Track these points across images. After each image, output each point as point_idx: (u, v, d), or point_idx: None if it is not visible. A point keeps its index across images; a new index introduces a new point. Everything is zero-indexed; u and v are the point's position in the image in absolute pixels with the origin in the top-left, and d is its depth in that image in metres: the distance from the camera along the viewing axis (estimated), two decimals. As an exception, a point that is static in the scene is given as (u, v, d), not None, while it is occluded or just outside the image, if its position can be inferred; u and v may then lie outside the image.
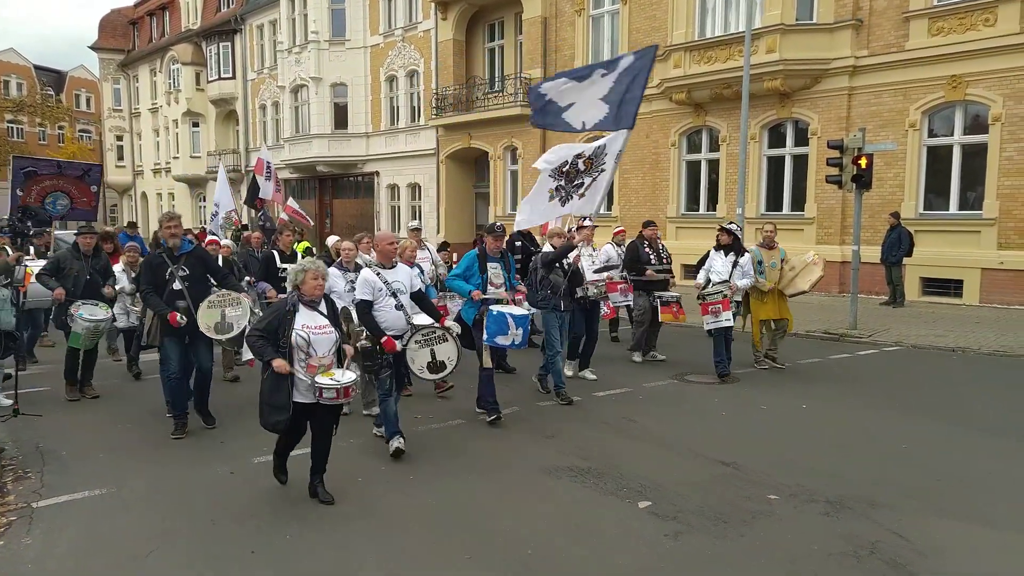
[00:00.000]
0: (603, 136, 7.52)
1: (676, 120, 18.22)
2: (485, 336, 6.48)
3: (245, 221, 13.34)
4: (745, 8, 14.19)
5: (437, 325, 5.97)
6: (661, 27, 18.04)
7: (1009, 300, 13.35)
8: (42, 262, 8.55)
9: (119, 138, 44.79)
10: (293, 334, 4.64)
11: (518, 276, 7.91)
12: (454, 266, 7.78)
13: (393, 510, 4.76)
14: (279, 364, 4.52)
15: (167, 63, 37.06)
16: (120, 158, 44.08)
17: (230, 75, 34.09)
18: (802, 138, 16.18)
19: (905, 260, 13.70)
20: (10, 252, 7.75)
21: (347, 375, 4.74)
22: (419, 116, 25.91)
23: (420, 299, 6.04)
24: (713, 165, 17.99)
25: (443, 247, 10.17)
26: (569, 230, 8.45)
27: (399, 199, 27.22)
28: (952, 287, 14.15)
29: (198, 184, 37.33)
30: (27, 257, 8.96)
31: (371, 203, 28.18)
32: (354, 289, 5.96)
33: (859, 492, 4.91)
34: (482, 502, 4.90)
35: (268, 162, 15.34)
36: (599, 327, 8.88)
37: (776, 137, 16.88)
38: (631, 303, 9.57)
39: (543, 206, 7.69)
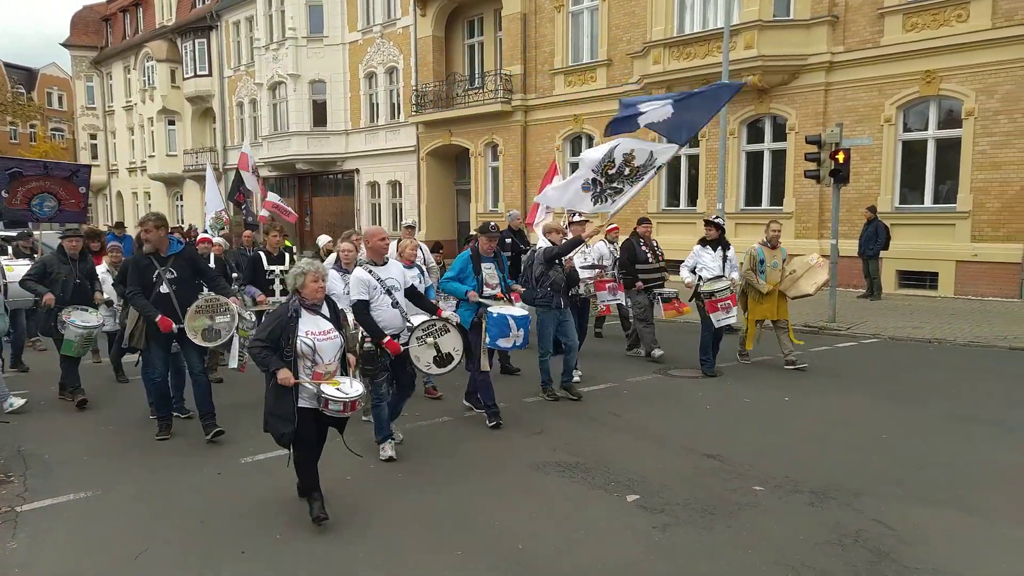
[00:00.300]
0: (657, 143, 7.46)
1: (656, 116, 18.30)
2: (487, 340, 6.33)
3: (234, 218, 13.11)
4: (723, 4, 14.31)
5: (436, 317, 5.79)
6: (640, 23, 18.15)
7: (983, 292, 13.62)
8: (22, 262, 8.34)
9: (93, 136, 44.11)
10: (298, 341, 4.38)
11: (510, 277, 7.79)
12: (446, 270, 7.47)
13: (383, 507, 4.77)
14: (284, 376, 4.29)
15: (141, 60, 36.54)
16: (94, 157, 43.37)
17: (206, 72, 33.72)
18: (780, 133, 16.36)
19: (882, 253, 13.91)
20: None
21: (354, 386, 4.48)
22: (399, 113, 25.82)
23: (414, 295, 5.88)
24: (693, 160, 18.14)
25: (437, 248, 9.86)
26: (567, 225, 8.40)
27: (379, 197, 27.12)
28: (928, 280, 14.41)
29: (175, 183, 36.91)
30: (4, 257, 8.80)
31: (351, 201, 28.04)
32: None
33: (842, 482, 5.01)
34: (472, 498, 4.92)
35: (252, 157, 15.13)
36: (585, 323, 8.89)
37: (755, 132, 17.06)
38: (621, 302, 9.52)
39: (572, 194, 7.50)
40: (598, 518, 4.55)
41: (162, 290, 6.07)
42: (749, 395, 7.49)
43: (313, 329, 4.46)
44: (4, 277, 7.38)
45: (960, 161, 13.85)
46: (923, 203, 14.58)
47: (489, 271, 6.67)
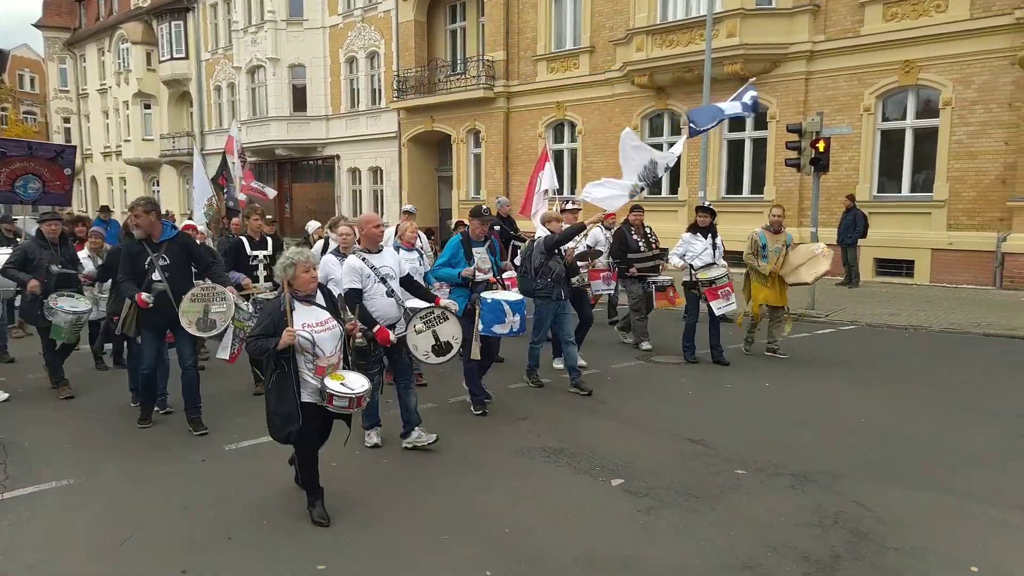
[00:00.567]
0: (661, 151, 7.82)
1: (638, 104, 18.35)
2: (481, 327, 6.15)
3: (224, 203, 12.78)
4: (706, -8, 14.35)
5: (434, 305, 5.67)
6: (623, 10, 18.12)
7: (958, 279, 13.86)
8: (5, 250, 8.08)
9: (66, 120, 43.35)
10: (296, 336, 4.17)
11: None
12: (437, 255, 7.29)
13: (369, 493, 4.78)
14: (285, 337, 4.06)
15: (116, 42, 35.87)
16: (68, 141, 42.58)
17: (183, 55, 33.20)
18: (761, 122, 16.46)
19: (860, 241, 14.09)
20: None
21: (360, 381, 4.29)
22: (380, 99, 25.62)
23: (410, 284, 5.74)
24: (675, 148, 18.19)
25: (428, 234, 9.73)
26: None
27: (360, 183, 26.93)
28: (904, 267, 14.64)
29: (151, 168, 36.36)
30: None
31: (331, 187, 27.83)
32: None
33: (822, 465, 5.10)
34: (458, 483, 4.94)
35: (238, 140, 14.86)
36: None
37: (736, 121, 17.07)
38: (612, 291, 9.43)
39: (613, 192, 7.66)
40: (583, 502, 4.61)
41: (155, 277, 5.84)
42: (731, 381, 7.58)
43: (310, 321, 4.26)
44: None
45: (937, 150, 14.05)
46: (900, 192, 14.78)
47: (481, 255, 6.55)
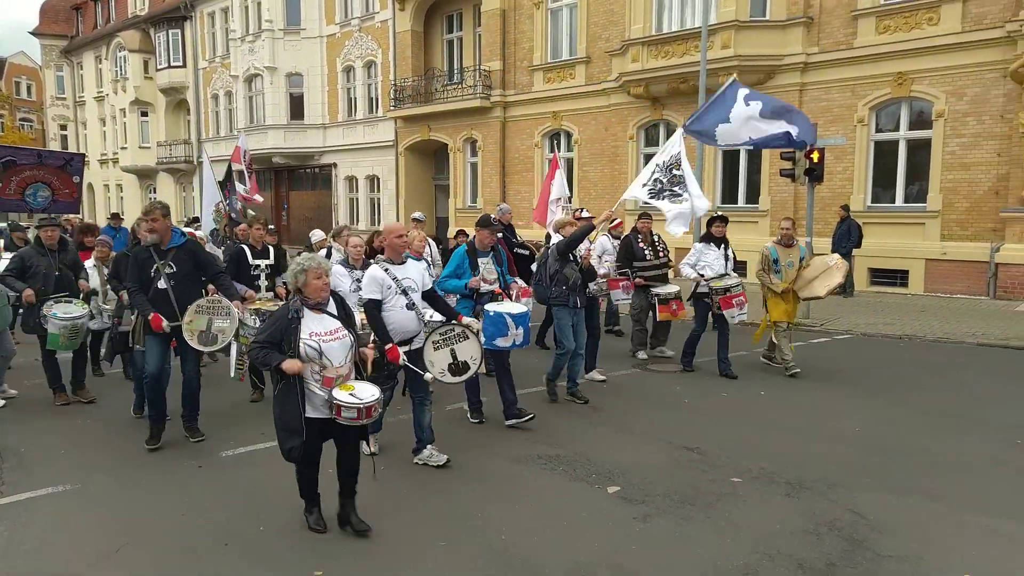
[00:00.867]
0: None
1: (634, 114, 18.46)
2: (483, 339, 5.94)
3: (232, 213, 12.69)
4: (701, 4, 14.45)
5: (455, 322, 5.43)
6: (619, 21, 18.25)
7: (952, 289, 13.94)
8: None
9: (63, 127, 43.31)
10: (301, 345, 3.99)
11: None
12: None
13: (365, 499, 4.77)
14: (290, 365, 3.91)
15: (113, 50, 35.91)
16: (64, 148, 42.54)
17: (180, 63, 33.23)
18: (756, 132, 16.52)
19: (854, 251, 14.16)
20: None
21: (370, 391, 4.08)
22: (377, 107, 25.70)
23: (432, 298, 5.49)
24: (670, 158, 18.26)
25: (439, 242, 9.68)
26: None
27: (357, 191, 26.97)
28: (898, 277, 14.71)
29: (147, 175, 36.35)
30: None
31: (328, 195, 27.87)
32: (360, 289, 5.51)
33: (817, 473, 5.13)
34: (455, 489, 4.96)
35: (245, 150, 14.77)
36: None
37: (731, 131, 17.21)
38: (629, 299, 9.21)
39: (636, 185, 7.53)
40: (579, 509, 4.62)
41: (160, 285, 5.73)
42: (727, 390, 7.61)
43: (318, 330, 4.06)
44: None
45: (930, 162, 14.14)
46: (894, 202, 14.87)
47: (487, 266, 6.42)
